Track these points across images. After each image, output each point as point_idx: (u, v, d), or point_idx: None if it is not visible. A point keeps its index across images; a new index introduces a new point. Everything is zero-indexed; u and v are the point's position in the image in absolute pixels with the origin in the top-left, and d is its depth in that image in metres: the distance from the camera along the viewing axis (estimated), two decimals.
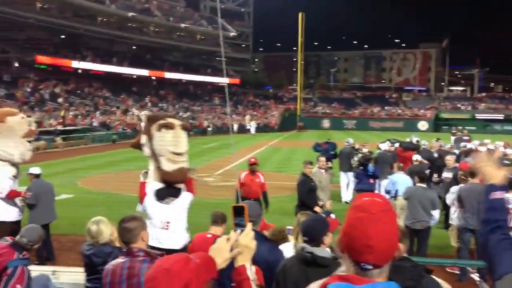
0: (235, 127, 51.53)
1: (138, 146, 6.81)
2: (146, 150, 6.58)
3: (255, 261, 3.78)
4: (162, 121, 6.47)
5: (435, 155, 13.34)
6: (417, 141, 16.21)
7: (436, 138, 17.41)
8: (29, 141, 7.70)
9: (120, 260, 3.41)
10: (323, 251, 3.30)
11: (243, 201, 7.07)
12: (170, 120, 6.58)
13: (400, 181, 9.97)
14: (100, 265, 4.33)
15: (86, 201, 13.10)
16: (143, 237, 3.45)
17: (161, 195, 6.26)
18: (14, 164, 7.56)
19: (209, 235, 4.78)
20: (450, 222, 9.02)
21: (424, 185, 8.42)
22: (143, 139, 6.62)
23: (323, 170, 10.19)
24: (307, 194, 8.71)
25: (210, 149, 31.83)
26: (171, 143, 6.35)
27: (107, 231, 4.44)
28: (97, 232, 4.42)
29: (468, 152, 13.38)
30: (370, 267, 1.60)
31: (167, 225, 6.08)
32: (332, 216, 5.08)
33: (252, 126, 52.51)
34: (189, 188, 6.63)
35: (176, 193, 6.34)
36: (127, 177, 16.36)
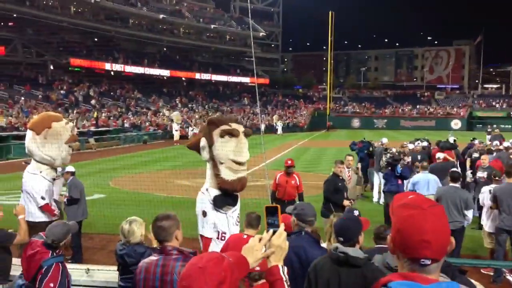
0: (263, 127, 51.56)
1: (195, 148, 6.47)
2: (205, 155, 6.25)
3: (309, 264, 3.77)
4: (225, 127, 6.11)
5: (476, 154, 13.07)
6: (454, 141, 15.90)
7: (471, 138, 17.02)
8: (70, 146, 7.86)
9: (153, 257, 3.44)
10: (357, 251, 3.28)
11: (278, 202, 6.99)
12: (234, 126, 6.20)
13: (422, 181, 9.78)
14: (133, 265, 4.39)
15: (118, 201, 13.33)
16: (177, 236, 3.47)
17: (219, 204, 6.03)
18: (54, 168, 7.72)
19: (244, 236, 4.79)
20: (481, 222, 8.78)
21: (456, 185, 8.21)
22: (203, 142, 6.26)
23: (348, 170, 10.10)
24: (332, 192, 8.61)
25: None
26: (234, 152, 6.03)
27: (139, 231, 4.47)
28: (129, 232, 4.47)
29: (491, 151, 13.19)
30: (429, 262, 1.62)
31: (224, 236, 5.86)
32: (356, 213, 5.07)
33: (279, 126, 52.42)
34: None
35: (234, 202, 6.12)
36: (158, 177, 16.58)
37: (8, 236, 4.95)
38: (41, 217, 7.17)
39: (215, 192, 6.12)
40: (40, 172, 7.45)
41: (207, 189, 6.26)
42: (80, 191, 8.73)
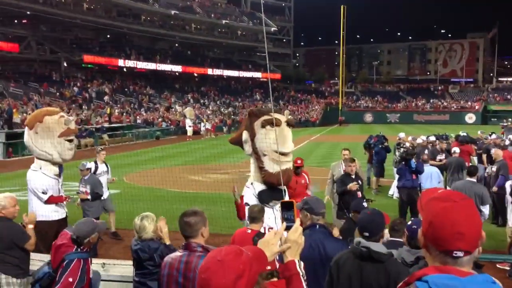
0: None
1: (238, 142, 6.25)
2: (247, 148, 6.03)
3: (328, 257, 3.77)
4: (266, 117, 5.88)
5: (494, 149, 12.92)
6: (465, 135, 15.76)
7: (490, 132, 16.84)
8: (69, 140, 7.59)
9: (178, 253, 3.45)
10: (379, 246, 3.27)
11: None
12: (275, 115, 5.86)
13: (425, 174, 9.95)
14: (147, 261, 4.42)
15: (132, 196, 13.42)
16: (203, 233, 3.45)
17: (264, 198, 5.84)
18: (55, 163, 7.56)
19: (249, 231, 4.79)
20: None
21: (473, 179, 8.13)
22: (245, 135, 6.05)
23: (343, 164, 9.46)
24: (343, 193, 8.23)
25: None
26: (276, 142, 5.68)
27: (150, 227, 4.49)
28: (140, 227, 4.50)
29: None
30: (462, 254, 1.63)
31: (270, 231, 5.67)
32: (365, 204, 5.08)
33: None
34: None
35: (280, 196, 5.83)
36: (171, 172, 16.66)
37: (22, 237, 4.99)
38: (41, 216, 6.92)
39: (260, 186, 5.95)
40: (40, 168, 7.40)
41: (252, 183, 6.08)
42: (99, 187, 9.03)
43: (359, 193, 8.02)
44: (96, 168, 9.82)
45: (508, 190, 8.10)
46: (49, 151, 7.39)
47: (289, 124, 6.06)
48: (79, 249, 4.31)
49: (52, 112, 7.75)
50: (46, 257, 6.07)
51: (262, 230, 5.55)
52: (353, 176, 8.24)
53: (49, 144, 7.35)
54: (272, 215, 5.77)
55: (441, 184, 10.79)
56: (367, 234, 3.35)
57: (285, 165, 5.86)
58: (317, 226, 4.07)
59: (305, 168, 9.46)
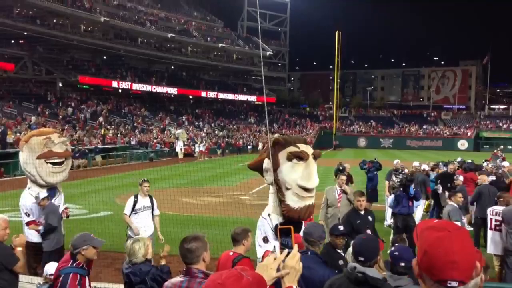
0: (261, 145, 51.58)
1: (258, 168, 5.94)
2: (268, 177, 5.66)
3: (315, 284, 3.76)
4: (293, 149, 5.54)
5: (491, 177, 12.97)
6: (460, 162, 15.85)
7: (483, 160, 16.96)
8: (53, 163, 7.38)
9: (179, 279, 3.39)
10: (374, 272, 3.28)
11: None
12: (302, 147, 5.62)
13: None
14: (138, 284, 4.38)
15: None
16: (204, 258, 3.41)
17: (282, 232, 5.58)
18: (41, 185, 7.44)
19: (231, 253, 4.79)
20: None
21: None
22: (266, 164, 5.66)
23: (339, 189, 9.54)
24: (351, 231, 7.23)
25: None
26: (302, 177, 5.43)
27: (141, 251, 4.46)
28: (130, 251, 4.47)
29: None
30: (456, 284, 1.63)
31: None
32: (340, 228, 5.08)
33: None
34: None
35: (298, 230, 5.39)
36: (164, 194, 16.58)
37: (11, 260, 4.93)
38: (30, 238, 6.87)
39: (278, 219, 5.59)
40: (28, 188, 7.44)
41: (269, 215, 5.72)
42: (58, 218, 7.59)
43: (369, 231, 7.18)
44: (135, 202, 8.70)
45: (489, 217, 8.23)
46: (33, 173, 7.39)
47: (315, 157, 5.70)
48: (74, 264, 4.27)
49: (42, 133, 7.71)
50: (35, 279, 5.99)
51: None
52: (362, 212, 7.54)
53: (31, 165, 7.35)
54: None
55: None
56: (362, 259, 3.37)
57: (309, 201, 5.53)
58: (309, 252, 4.09)
59: None
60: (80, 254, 4.36)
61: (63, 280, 4.16)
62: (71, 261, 4.33)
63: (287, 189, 5.42)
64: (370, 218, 7.57)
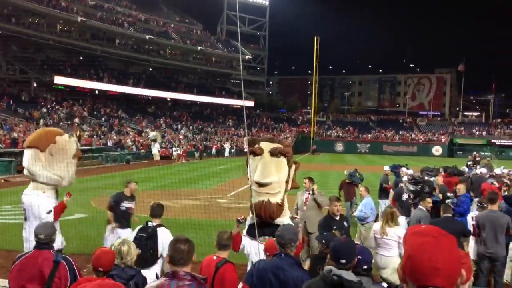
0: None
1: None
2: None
3: (288, 285, 3.76)
4: (253, 146, 5.83)
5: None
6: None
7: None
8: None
9: (165, 282, 3.29)
10: (350, 275, 3.28)
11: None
12: (263, 144, 5.82)
13: (366, 205, 10.04)
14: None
15: (99, 220, 13.12)
16: (193, 260, 3.40)
17: (253, 232, 5.44)
18: (61, 187, 7.12)
19: (214, 257, 4.75)
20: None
21: (448, 215, 8.18)
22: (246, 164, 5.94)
23: (307, 192, 9.48)
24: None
25: (223, 171, 31.85)
26: (256, 172, 5.62)
27: (135, 252, 4.41)
28: (126, 252, 4.41)
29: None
30: None
31: None
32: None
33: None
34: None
35: (270, 231, 5.40)
36: (140, 197, 16.41)
37: None
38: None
39: (250, 219, 5.73)
40: (43, 192, 6.86)
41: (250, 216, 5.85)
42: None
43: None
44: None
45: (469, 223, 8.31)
46: (62, 175, 6.87)
47: (272, 153, 5.74)
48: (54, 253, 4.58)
49: (60, 132, 7.33)
50: (4, 282, 5.83)
51: (249, 264, 5.50)
52: (337, 218, 7.36)
53: (64, 167, 6.85)
54: (258, 250, 5.32)
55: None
56: (343, 261, 3.38)
57: (263, 197, 5.58)
58: (283, 254, 4.11)
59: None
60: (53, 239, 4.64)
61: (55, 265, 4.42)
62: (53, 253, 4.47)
63: (252, 185, 5.63)
64: (345, 223, 7.50)
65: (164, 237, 6.03)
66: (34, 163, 6.78)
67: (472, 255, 8.21)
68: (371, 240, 7.35)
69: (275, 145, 5.94)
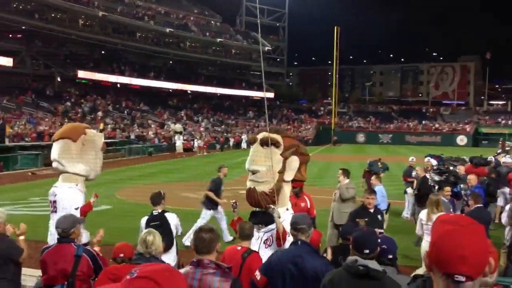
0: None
1: None
2: None
3: (307, 273, 3.79)
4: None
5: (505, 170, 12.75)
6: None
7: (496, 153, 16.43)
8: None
9: (190, 270, 3.39)
10: (375, 264, 3.29)
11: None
12: (260, 134, 6.09)
13: (378, 192, 9.72)
14: None
15: (124, 212, 13.34)
16: (217, 249, 3.50)
17: (252, 219, 5.70)
18: (89, 180, 7.17)
19: (238, 248, 4.78)
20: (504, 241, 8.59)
21: (480, 205, 8.07)
22: None
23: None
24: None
25: (243, 162, 31.96)
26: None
27: (161, 244, 4.47)
28: (152, 242, 4.46)
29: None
30: (463, 279, 1.60)
31: None
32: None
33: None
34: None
35: (263, 220, 5.66)
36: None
37: (16, 251, 4.91)
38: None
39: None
40: (76, 185, 6.88)
41: None
42: None
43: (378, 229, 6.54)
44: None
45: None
46: (92, 167, 6.95)
47: (262, 143, 5.86)
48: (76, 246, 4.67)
49: (87, 126, 7.46)
50: (36, 272, 5.99)
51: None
52: (371, 211, 7.18)
53: (92, 158, 6.93)
54: (255, 241, 5.46)
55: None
56: (367, 251, 3.39)
57: (249, 184, 5.84)
58: (299, 242, 4.12)
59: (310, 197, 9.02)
60: (72, 233, 4.69)
61: (76, 259, 4.59)
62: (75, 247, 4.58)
63: None
64: (379, 217, 7.33)
65: (173, 220, 6.53)
66: (65, 154, 6.85)
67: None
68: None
69: (273, 135, 5.98)
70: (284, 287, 3.94)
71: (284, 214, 5.75)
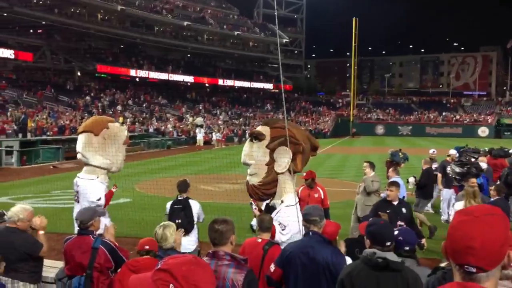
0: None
1: None
2: None
3: (318, 262, 3.80)
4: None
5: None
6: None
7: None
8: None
9: (205, 260, 3.37)
10: (394, 256, 3.29)
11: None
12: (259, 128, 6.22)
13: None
14: None
15: (143, 205, 13.46)
16: (232, 241, 3.46)
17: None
18: (112, 173, 7.28)
19: (259, 240, 4.78)
20: None
21: (501, 196, 7.90)
22: None
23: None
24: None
25: None
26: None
27: (172, 237, 4.47)
28: (162, 237, 4.49)
29: None
30: (473, 269, 1.58)
31: None
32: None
33: None
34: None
35: (269, 212, 5.82)
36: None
37: (35, 247, 4.97)
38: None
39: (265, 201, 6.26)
40: (97, 177, 7.01)
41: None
42: None
43: (400, 223, 6.46)
44: None
45: None
46: (113, 160, 7.05)
47: (249, 137, 6.14)
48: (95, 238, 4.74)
49: (111, 120, 7.57)
50: (57, 263, 6.09)
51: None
52: (395, 203, 6.94)
53: (113, 151, 7.04)
54: None
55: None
56: (388, 243, 3.41)
57: (247, 177, 6.05)
58: (311, 233, 4.16)
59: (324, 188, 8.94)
60: (90, 225, 4.76)
61: (93, 251, 4.68)
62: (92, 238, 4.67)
63: None
64: (404, 210, 6.95)
65: (195, 207, 7.09)
66: (87, 147, 7.00)
67: None
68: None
69: (258, 128, 6.14)
70: (297, 277, 3.99)
71: (279, 206, 5.75)
